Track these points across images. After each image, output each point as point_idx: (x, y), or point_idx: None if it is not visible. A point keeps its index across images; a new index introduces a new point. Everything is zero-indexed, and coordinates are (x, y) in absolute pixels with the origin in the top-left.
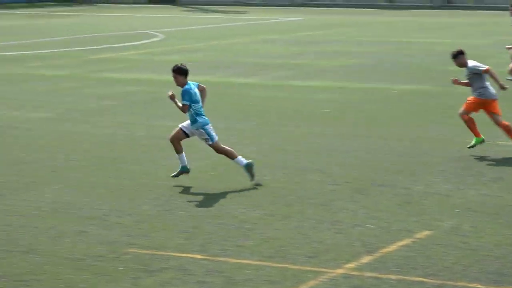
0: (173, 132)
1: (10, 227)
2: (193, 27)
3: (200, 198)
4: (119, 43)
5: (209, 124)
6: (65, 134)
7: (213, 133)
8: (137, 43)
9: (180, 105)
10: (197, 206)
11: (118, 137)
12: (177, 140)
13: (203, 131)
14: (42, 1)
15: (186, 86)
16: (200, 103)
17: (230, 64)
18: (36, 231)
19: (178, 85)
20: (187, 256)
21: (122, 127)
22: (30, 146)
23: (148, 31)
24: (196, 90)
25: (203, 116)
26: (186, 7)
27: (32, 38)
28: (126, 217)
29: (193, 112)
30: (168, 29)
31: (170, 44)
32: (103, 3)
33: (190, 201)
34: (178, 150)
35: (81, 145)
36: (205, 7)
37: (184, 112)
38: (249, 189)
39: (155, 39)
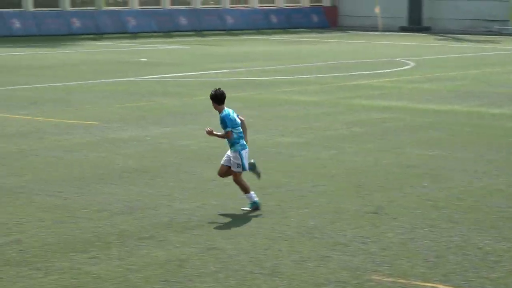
0: (219, 169)
1: (255, 249)
2: (446, 56)
3: (443, 227)
4: (370, 70)
5: (246, 150)
6: (313, 160)
7: (246, 162)
8: (388, 71)
9: (221, 133)
10: (441, 235)
11: (365, 164)
12: (224, 175)
13: (238, 156)
14: (297, 28)
15: (224, 113)
16: (240, 128)
17: (483, 94)
18: (280, 254)
19: (216, 109)
20: (429, 286)
21: (371, 154)
22: (278, 170)
23: (399, 59)
24: (235, 116)
25: (243, 141)
26: (439, 35)
27: (285, 64)
28: (369, 243)
29: (235, 136)
30: (420, 57)
31: (421, 72)
32: (356, 30)
33: (434, 230)
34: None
35: (328, 171)
36: (458, 36)
37: (229, 138)
38: (495, 220)
39: (406, 67)
